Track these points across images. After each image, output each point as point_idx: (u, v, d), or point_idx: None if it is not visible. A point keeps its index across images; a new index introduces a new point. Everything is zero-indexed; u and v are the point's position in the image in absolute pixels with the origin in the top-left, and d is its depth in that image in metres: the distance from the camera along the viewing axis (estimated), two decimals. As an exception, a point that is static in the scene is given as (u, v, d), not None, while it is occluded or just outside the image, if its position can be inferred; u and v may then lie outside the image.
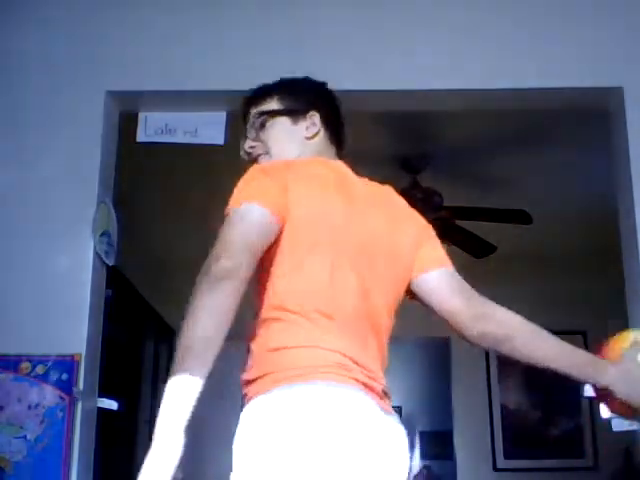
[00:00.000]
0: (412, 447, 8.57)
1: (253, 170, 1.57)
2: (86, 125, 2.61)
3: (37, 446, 2.29)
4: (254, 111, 1.75)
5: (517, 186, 4.73)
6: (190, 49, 2.69)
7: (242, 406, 1.42)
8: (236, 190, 1.50)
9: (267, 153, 1.71)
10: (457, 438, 6.01)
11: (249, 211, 1.43)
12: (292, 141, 1.71)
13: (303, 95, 1.76)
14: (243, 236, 1.41)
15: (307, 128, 1.72)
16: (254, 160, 1.73)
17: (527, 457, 5.81)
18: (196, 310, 1.30)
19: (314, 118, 1.72)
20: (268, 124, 1.71)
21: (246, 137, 1.76)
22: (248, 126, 1.75)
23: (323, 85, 1.82)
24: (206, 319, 1.31)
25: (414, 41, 2.70)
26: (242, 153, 1.78)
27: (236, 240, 1.40)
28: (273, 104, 1.73)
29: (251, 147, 1.73)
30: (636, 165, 2.55)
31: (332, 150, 1.77)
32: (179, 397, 1.26)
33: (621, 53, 2.65)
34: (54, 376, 2.34)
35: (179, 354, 1.28)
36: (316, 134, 1.72)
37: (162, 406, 1.26)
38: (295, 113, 1.72)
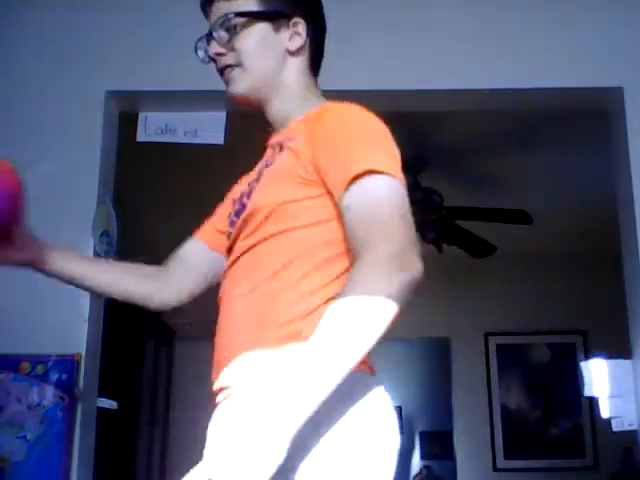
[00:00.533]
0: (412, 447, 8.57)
1: (378, 124, 1.29)
2: (86, 125, 2.61)
3: (37, 446, 2.29)
4: (225, 7, 1.38)
5: (517, 186, 4.73)
6: (190, 49, 2.68)
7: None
8: (371, 140, 1.23)
9: (239, 66, 1.38)
10: (457, 438, 6.01)
11: (402, 194, 1.16)
12: (272, 54, 1.38)
13: None
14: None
15: (290, 38, 1.39)
16: (221, 71, 1.42)
17: (527, 457, 5.81)
18: (394, 305, 1.06)
19: (299, 26, 1.39)
20: (243, 29, 1.37)
21: (210, 37, 1.41)
22: (215, 24, 1.39)
23: None
24: (391, 318, 1.07)
25: (414, 41, 2.70)
26: (201, 55, 1.46)
27: (413, 232, 1.13)
28: (251, 3, 1.38)
29: (219, 54, 1.41)
30: (636, 165, 2.55)
31: (315, 82, 1.45)
32: (324, 387, 1.03)
33: (621, 53, 2.65)
34: (54, 376, 2.34)
35: (355, 338, 1.05)
36: (300, 48, 1.40)
37: (304, 386, 1.03)
38: (278, 18, 1.38)
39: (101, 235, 2.52)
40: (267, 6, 1.38)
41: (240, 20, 1.37)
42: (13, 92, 2.65)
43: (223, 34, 1.38)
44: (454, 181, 4.59)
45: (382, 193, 1.14)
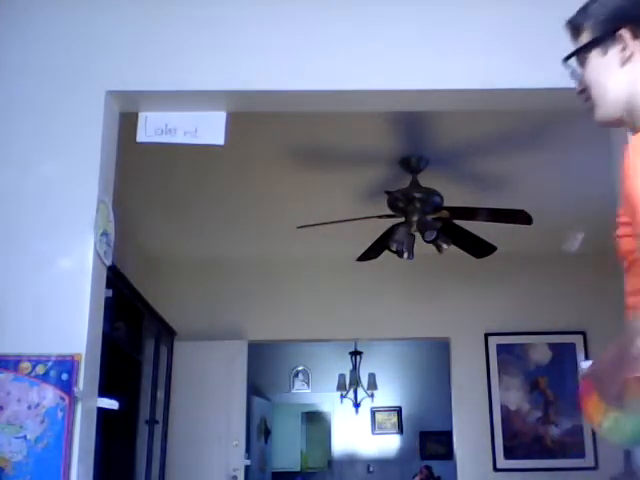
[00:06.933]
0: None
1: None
2: (86, 125, 2.61)
3: (37, 446, 2.29)
4: (575, 44, 1.44)
5: (517, 186, 4.73)
6: (190, 49, 2.69)
7: None
8: None
9: (590, 99, 1.44)
10: (457, 438, 6.01)
11: None
12: (608, 78, 1.38)
13: (607, 9, 1.39)
14: None
15: (619, 52, 1.37)
16: (592, 108, 1.47)
17: (527, 457, 5.81)
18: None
19: (624, 36, 1.35)
20: (584, 65, 1.42)
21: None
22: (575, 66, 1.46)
23: None
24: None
25: (414, 41, 2.70)
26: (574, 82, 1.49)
27: None
28: (584, 38, 1.42)
29: (579, 92, 1.46)
30: (636, 165, 2.55)
31: None
32: None
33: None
34: (54, 376, 2.34)
35: None
36: (629, 57, 1.36)
37: None
38: (600, 41, 1.38)
39: (101, 235, 2.52)
40: (593, 35, 1.40)
41: (581, 58, 1.43)
42: (13, 92, 2.65)
43: (577, 73, 1.45)
44: (454, 181, 4.59)
45: None
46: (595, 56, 1.40)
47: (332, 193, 4.83)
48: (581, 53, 1.42)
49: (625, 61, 1.37)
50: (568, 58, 1.44)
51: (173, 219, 5.40)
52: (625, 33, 1.35)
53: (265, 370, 8.27)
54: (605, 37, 1.38)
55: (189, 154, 3.54)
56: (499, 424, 5.87)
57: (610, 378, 1.32)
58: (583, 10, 1.45)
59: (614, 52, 1.37)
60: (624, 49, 1.36)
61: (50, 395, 2.33)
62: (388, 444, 8.62)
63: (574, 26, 1.46)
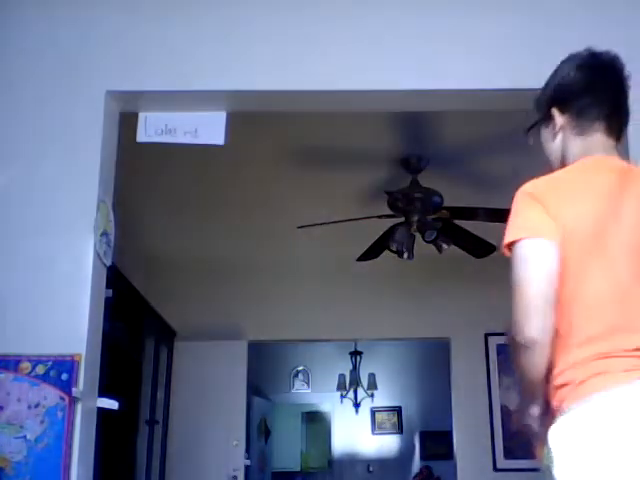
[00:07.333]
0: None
1: (517, 195, 1.74)
2: (86, 125, 2.61)
3: (37, 446, 2.29)
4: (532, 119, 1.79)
5: (517, 186, 4.72)
6: (190, 49, 2.69)
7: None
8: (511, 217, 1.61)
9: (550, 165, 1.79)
10: (457, 438, 6.01)
11: (532, 250, 1.62)
12: (550, 146, 1.78)
13: (545, 93, 1.77)
14: (538, 290, 1.61)
15: (554, 126, 1.74)
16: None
17: (527, 457, 5.80)
18: (520, 369, 1.67)
19: (554, 113, 1.73)
20: (538, 137, 1.79)
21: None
22: None
23: (570, 67, 1.76)
24: (526, 376, 1.66)
25: (414, 41, 2.70)
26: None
27: (532, 298, 1.61)
28: (537, 116, 1.79)
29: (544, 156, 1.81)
30: (635, 164, 2.55)
31: (594, 138, 1.71)
32: None
33: (620, 52, 2.65)
34: (54, 376, 2.34)
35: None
36: (558, 131, 1.74)
37: None
38: (543, 118, 1.76)
39: (101, 235, 2.52)
40: (537, 115, 1.79)
41: (536, 131, 1.81)
42: (13, 92, 2.65)
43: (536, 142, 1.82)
44: (454, 181, 4.59)
45: (514, 269, 1.72)
46: (543, 129, 1.78)
47: (332, 193, 4.83)
48: (535, 127, 1.80)
49: (557, 132, 1.75)
50: (527, 131, 1.81)
51: (173, 219, 5.40)
52: (555, 111, 1.73)
53: (265, 370, 8.27)
54: (545, 115, 1.76)
55: (189, 154, 3.54)
56: (499, 424, 5.86)
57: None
58: (540, 92, 1.81)
59: (551, 126, 1.76)
60: (555, 124, 1.74)
61: (50, 395, 2.33)
62: (388, 444, 8.62)
63: (536, 104, 1.81)
